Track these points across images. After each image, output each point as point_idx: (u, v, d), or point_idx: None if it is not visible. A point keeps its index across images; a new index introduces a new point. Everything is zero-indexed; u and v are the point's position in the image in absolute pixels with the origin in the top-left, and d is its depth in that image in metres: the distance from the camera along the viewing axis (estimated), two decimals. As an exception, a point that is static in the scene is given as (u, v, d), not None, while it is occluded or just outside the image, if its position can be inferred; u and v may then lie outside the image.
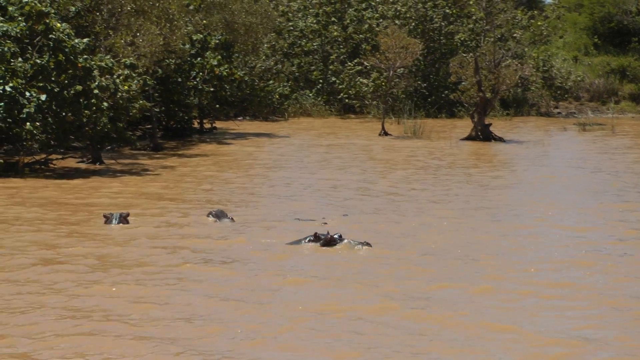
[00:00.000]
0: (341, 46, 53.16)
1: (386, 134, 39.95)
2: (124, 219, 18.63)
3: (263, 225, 19.14)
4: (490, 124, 39.10)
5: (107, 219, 18.65)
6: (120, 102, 27.13)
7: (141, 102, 27.96)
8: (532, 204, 22.51)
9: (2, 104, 25.67)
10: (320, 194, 23.91)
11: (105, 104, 26.87)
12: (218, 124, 42.16)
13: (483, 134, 38.50)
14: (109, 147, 28.12)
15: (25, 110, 25.76)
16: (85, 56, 26.55)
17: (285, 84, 48.78)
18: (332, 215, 20.65)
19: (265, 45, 51.50)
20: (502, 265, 15.67)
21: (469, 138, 38.64)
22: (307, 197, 23.37)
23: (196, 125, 40.07)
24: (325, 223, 19.59)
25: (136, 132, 36.98)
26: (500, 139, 38.29)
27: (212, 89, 37.11)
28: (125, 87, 27.10)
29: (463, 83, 40.98)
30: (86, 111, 26.40)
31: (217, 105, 38.79)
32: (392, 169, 29.42)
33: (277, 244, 17.07)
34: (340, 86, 50.56)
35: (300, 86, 52.23)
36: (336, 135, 40.30)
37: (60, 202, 21.88)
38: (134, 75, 27.67)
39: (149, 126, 37.89)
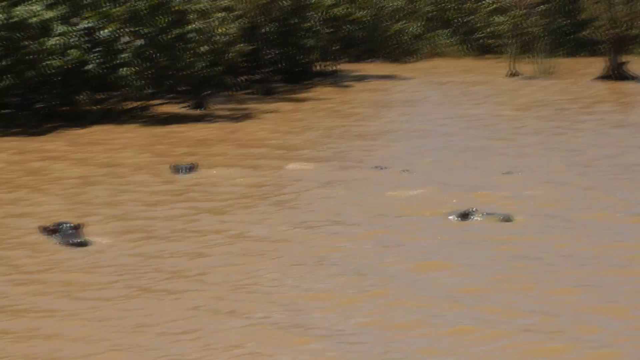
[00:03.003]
0: (479, -18, 51.06)
1: (515, 73, 38.25)
2: (189, 170, 18.12)
3: (340, 171, 18.31)
4: (625, 62, 36.92)
5: (176, 170, 18.15)
6: (218, 46, 26.47)
7: (240, 45, 27.24)
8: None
9: (98, 49, 25.43)
10: (421, 136, 22.99)
11: (203, 48, 26.29)
12: (343, 67, 41.13)
13: (617, 73, 36.42)
14: (207, 92, 27.53)
15: (121, 55, 25.44)
16: (180, -1, 26.00)
17: (419, 24, 47.25)
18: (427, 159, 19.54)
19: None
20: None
21: (603, 77, 36.61)
22: (406, 140, 22.45)
23: (318, 68, 39.11)
24: (407, 170, 18.56)
25: (254, 76, 36.36)
26: (637, 78, 36.15)
27: (329, 31, 36.06)
28: (222, 30, 26.41)
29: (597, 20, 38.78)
30: (183, 55, 25.87)
31: (336, 48, 37.66)
32: (506, 108, 28.05)
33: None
34: (476, 25, 48.73)
35: (435, 26, 50.49)
36: (463, 76, 38.76)
37: (148, 147, 21.53)
38: (231, 17, 26.98)
39: (266, 70, 37.24)
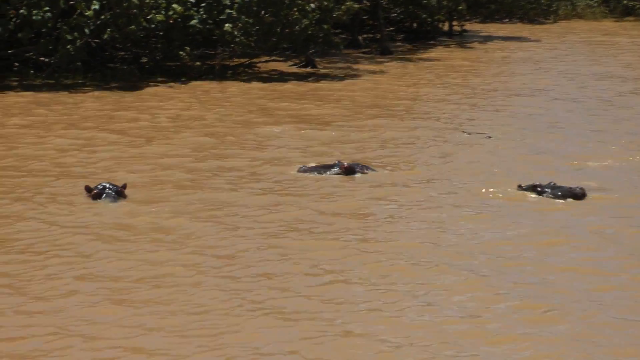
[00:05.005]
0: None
1: (651, 37, 36.66)
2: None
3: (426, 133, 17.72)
4: None
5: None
6: (325, 3, 25.96)
7: (348, 3, 26.62)
8: None
9: (203, 4, 25.25)
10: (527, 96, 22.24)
11: (311, 5, 25.83)
12: (472, 27, 40.17)
13: None
14: (313, 50, 27.02)
15: (227, 11, 25.21)
16: (287, -46, 25.53)
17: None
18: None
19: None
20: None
21: None
22: (509, 101, 21.75)
23: (445, 28, 38.21)
24: (489, 137, 17.81)
25: (377, 35, 35.75)
26: None
27: (455, -11, 35.16)
28: (331, -13, 25.92)
29: None
30: (290, 12, 25.45)
31: (460, 7, 36.63)
32: (626, 70, 26.83)
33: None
34: (619, -15, 46.92)
35: (577, -14, 48.78)
36: (596, 37, 37.31)
37: (242, 105, 21.31)
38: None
39: (392, 28, 36.64)
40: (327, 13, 26.21)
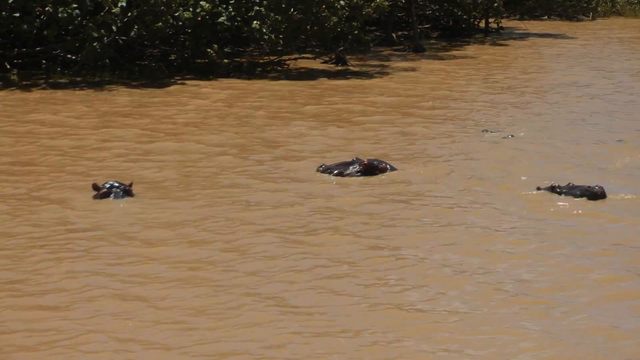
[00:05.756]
0: None
1: (689, 34, 36.02)
2: None
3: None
4: None
5: None
6: (355, 0, 25.69)
7: (378, 0, 26.30)
8: None
9: (232, 1, 25.07)
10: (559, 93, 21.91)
11: (341, 2, 25.56)
12: (509, 24, 39.70)
13: None
14: (342, 47, 26.76)
15: (255, 8, 25.01)
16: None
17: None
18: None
19: None
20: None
21: None
22: (537, 97, 21.42)
23: (481, 25, 37.78)
24: (512, 136, 17.48)
25: (411, 32, 35.45)
26: None
27: (490, -14, 34.74)
28: (360, -16, 25.63)
29: None
30: (320, 9, 25.20)
31: (496, 4, 36.18)
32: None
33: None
34: (660, -19, 46.17)
35: (616, -18, 48.10)
36: (631, 36, 36.73)
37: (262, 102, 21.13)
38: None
39: (427, 25, 36.36)
40: (357, 10, 25.93)
